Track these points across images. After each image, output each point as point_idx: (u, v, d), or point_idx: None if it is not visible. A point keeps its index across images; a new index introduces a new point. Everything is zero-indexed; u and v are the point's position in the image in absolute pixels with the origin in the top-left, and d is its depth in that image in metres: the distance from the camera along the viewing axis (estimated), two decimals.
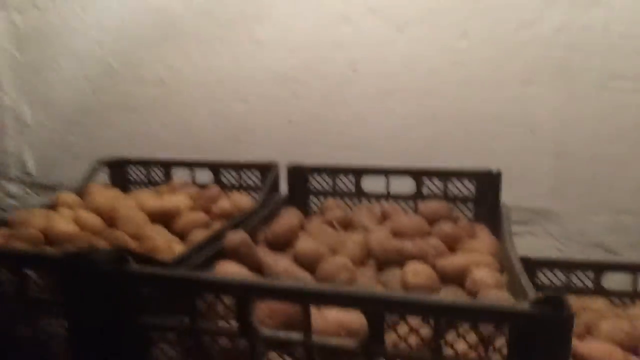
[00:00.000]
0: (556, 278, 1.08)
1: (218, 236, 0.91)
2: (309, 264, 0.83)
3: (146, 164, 1.41)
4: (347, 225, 1.04)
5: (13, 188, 1.95)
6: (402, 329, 0.55)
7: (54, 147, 1.85)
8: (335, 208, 1.12)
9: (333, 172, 1.21)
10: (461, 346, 0.53)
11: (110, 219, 1.07)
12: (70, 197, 1.17)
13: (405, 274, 0.75)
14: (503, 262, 0.91)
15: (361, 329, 0.56)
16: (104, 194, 1.20)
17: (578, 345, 0.71)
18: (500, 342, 0.52)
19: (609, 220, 1.32)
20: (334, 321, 0.58)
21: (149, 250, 0.88)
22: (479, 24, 1.32)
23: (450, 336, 0.53)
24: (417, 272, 0.75)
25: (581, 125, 1.30)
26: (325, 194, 1.23)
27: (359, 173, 1.20)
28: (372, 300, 0.51)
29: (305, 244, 0.85)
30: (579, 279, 1.07)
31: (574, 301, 0.96)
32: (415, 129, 1.42)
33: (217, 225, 1.10)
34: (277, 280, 0.74)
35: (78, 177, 1.32)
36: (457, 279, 0.80)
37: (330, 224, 1.01)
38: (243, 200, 1.25)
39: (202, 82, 1.61)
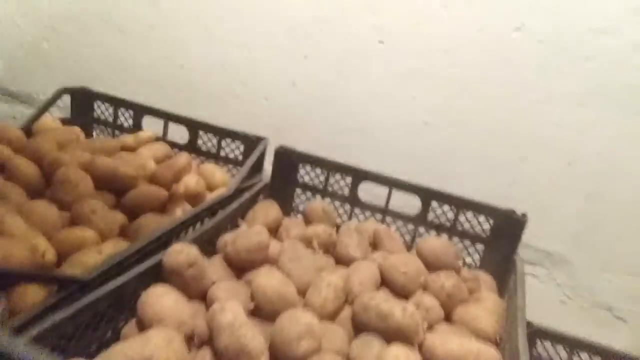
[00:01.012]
0: (556, 354, 0.93)
1: (164, 240, 0.72)
2: (269, 309, 0.66)
3: (115, 102, 1.19)
4: (329, 247, 0.85)
5: None
6: None
7: (24, 52, 1.60)
8: (320, 218, 0.93)
9: (328, 167, 1.00)
10: None
11: (48, 174, 0.87)
12: (14, 132, 0.96)
13: None
14: (505, 337, 0.74)
15: None
16: (52, 136, 0.99)
17: None
18: None
19: (624, 283, 1.15)
20: None
21: (74, 244, 0.69)
22: (540, 18, 1.06)
23: None
24: None
25: (627, 166, 1.08)
26: (314, 190, 1.03)
27: (357, 177, 0.99)
28: None
29: (267, 281, 0.66)
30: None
31: None
32: (434, 128, 1.20)
33: (174, 211, 0.90)
34: None
35: (47, 91, 1.11)
36: None
37: (309, 244, 0.82)
38: (217, 176, 1.05)
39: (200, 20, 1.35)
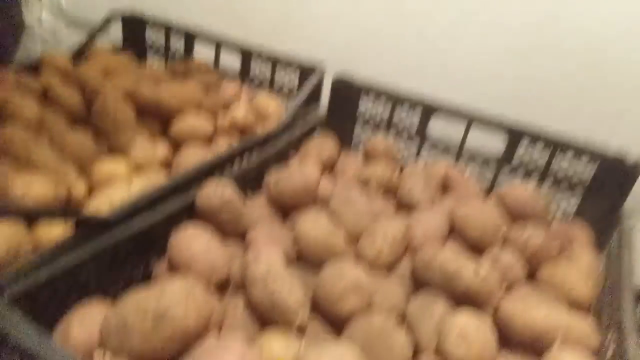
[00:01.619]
0: None
1: (205, 175, 0.64)
2: (313, 259, 0.57)
3: (166, 28, 1.11)
4: (389, 191, 0.73)
5: (46, 17, 1.71)
6: None
7: None
8: (382, 157, 0.81)
9: (394, 98, 0.86)
10: None
11: (90, 103, 0.82)
12: (62, 60, 0.91)
13: (447, 337, 0.47)
14: (602, 306, 0.60)
15: None
16: (99, 64, 0.93)
17: None
18: None
19: None
20: None
21: (104, 178, 0.64)
22: None
23: None
24: (466, 336, 0.47)
25: None
26: (377, 125, 0.90)
27: (428, 110, 0.84)
28: None
29: (312, 228, 0.57)
30: None
31: None
32: (524, 54, 0.99)
33: (220, 143, 0.82)
34: None
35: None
36: (527, 342, 0.51)
37: (366, 186, 0.71)
38: (270, 107, 0.95)
39: None
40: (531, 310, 0.52)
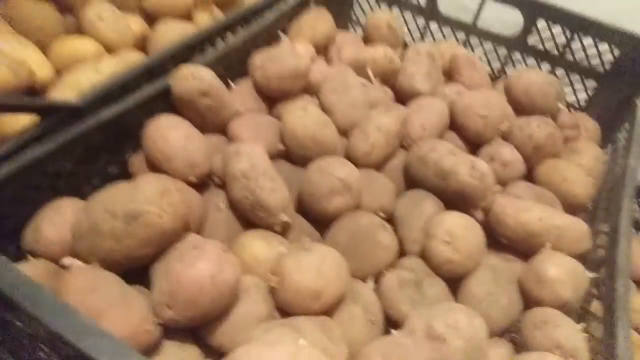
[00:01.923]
0: None
1: (183, 56, 0.58)
2: (300, 154, 0.53)
3: None
4: (389, 77, 0.67)
5: None
6: None
7: None
8: (383, 35, 0.72)
9: None
10: None
11: None
12: None
13: (433, 238, 0.45)
14: (602, 203, 0.59)
15: None
16: None
17: None
18: None
19: None
20: None
21: (70, 58, 0.57)
22: None
23: None
24: (453, 237, 0.45)
25: None
26: None
27: None
28: None
29: (299, 120, 0.52)
30: None
31: None
32: None
33: (199, 19, 0.74)
34: None
35: None
36: (518, 244, 0.50)
37: (363, 71, 0.65)
38: None
39: None
40: (524, 211, 0.50)
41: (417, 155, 0.53)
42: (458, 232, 0.45)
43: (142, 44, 0.69)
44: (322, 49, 0.75)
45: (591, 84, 0.72)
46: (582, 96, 0.74)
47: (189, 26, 0.69)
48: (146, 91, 0.53)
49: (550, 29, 0.70)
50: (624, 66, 0.68)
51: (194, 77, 0.51)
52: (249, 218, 0.47)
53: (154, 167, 0.51)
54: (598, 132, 0.70)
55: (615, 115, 0.70)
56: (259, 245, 0.44)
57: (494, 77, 0.76)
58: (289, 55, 0.59)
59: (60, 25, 0.63)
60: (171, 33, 0.66)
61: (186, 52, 0.60)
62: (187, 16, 0.74)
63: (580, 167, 0.61)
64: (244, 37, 0.65)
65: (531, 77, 0.62)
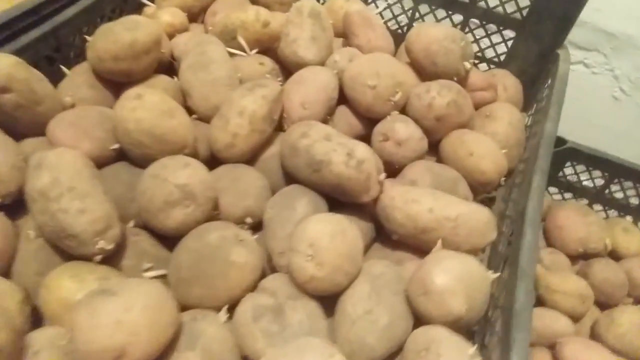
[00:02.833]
0: (590, 181, 0.69)
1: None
2: (138, 153, 0.42)
3: None
4: (264, 43, 0.55)
5: None
6: None
7: None
8: None
9: None
10: None
11: None
12: None
13: (296, 252, 0.36)
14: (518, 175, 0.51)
15: None
16: None
17: None
18: None
19: None
20: None
21: None
22: None
23: None
24: (317, 249, 0.36)
25: None
26: None
27: None
28: None
29: (136, 112, 0.41)
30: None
31: None
32: None
33: None
34: None
35: None
36: (409, 239, 0.42)
37: (233, 39, 0.53)
38: None
39: None
40: (412, 202, 0.41)
41: (288, 142, 0.43)
42: (322, 243, 0.36)
43: None
44: (198, 15, 0.63)
45: (509, 34, 0.63)
46: (502, 50, 0.65)
47: None
48: None
49: None
50: (544, 11, 0.59)
51: None
52: (61, 248, 0.37)
53: None
54: (519, 91, 0.61)
55: (538, 70, 0.62)
56: (67, 286, 0.34)
57: (401, 36, 0.66)
58: (128, 25, 0.47)
59: None
60: None
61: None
62: None
63: (494, 136, 0.52)
64: (87, 3, 0.53)
65: (429, 33, 0.52)
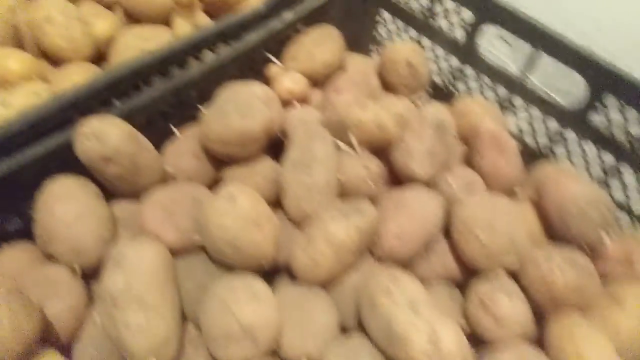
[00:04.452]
0: None
1: (94, 95, 0.46)
2: (216, 257, 0.41)
3: None
4: (381, 145, 0.50)
5: None
6: None
7: None
8: (400, 76, 0.56)
9: None
10: None
11: None
12: None
13: None
14: None
15: None
16: None
17: None
18: None
19: None
20: None
21: None
22: None
23: None
24: None
25: None
26: (407, 18, 0.62)
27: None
28: None
29: (217, 221, 0.39)
30: None
31: None
32: None
33: (177, 25, 0.60)
34: None
35: None
36: None
37: (345, 135, 0.49)
38: None
39: None
40: None
41: (367, 292, 0.39)
42: None
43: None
44: (323, 81, 0.59)
45: None
46: None
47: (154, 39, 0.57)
48: (49, 144, 0.43)
49: None
50: None
51: (96, 138, 0.40)
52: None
53: (41, 245, 0.41)
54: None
55: None
56: None
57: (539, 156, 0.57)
58: (242, 111, 0.45)
59: None
60: (128, 47, 0.54)
61: (103, 94, 0.46)
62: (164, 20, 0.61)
63: (616, 335, 0.42)
64: (210, 64, 0.52)
65: (569, 187, 0.44)
